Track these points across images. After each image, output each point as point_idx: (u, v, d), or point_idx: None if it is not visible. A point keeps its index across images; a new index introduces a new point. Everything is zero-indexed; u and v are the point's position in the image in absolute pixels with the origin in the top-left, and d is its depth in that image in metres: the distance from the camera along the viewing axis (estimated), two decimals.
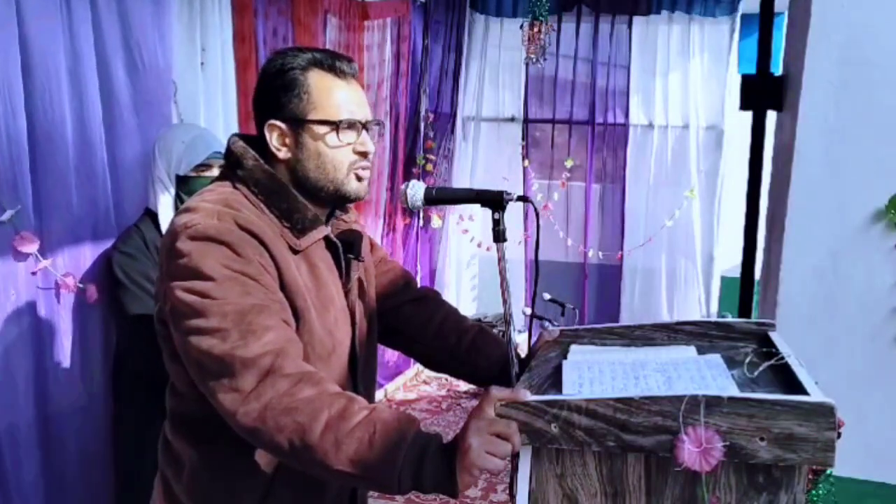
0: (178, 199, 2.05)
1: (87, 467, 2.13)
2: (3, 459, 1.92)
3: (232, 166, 1.29)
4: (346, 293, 1.34)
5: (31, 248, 1.97)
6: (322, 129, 1.26)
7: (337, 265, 1.33)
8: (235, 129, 2.71)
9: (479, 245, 5.30)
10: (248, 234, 1.18)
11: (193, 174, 2.05)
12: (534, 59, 4.52)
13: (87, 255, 2.12)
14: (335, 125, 1.26)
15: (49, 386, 2.04)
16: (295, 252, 1.25)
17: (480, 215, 5.13)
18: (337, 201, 1.33)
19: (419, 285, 1.60)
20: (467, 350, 1.46)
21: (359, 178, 1.29)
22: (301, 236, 1.25)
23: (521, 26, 4.57)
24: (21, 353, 1.97)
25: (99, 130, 2.14)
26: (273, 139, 1.28)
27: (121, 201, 2.21)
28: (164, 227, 2.03)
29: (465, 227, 5.33)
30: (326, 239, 1.31)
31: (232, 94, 2.78)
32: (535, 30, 4.43)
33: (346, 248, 1.35)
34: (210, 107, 2.66)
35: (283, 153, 1.28)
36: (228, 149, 1.31)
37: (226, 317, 1.10)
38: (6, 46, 1.84)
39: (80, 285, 2.10)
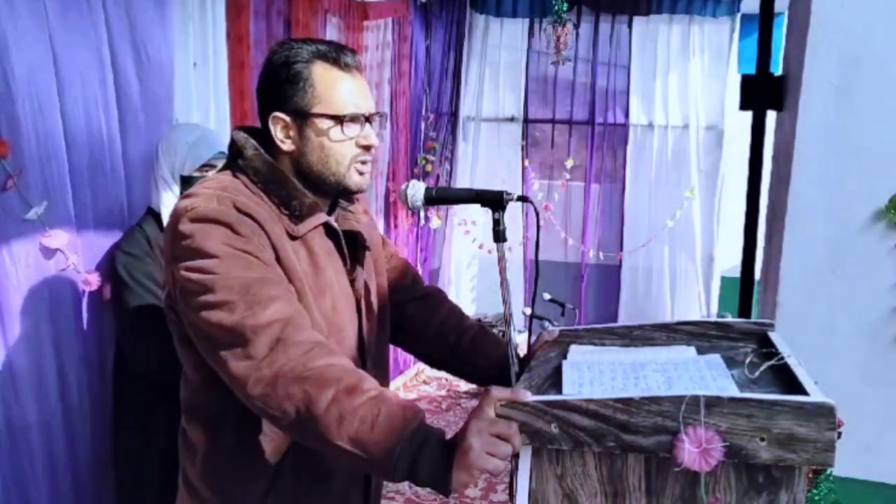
0: None
1: (87, 467, 2.13)
2: (18, 455, 1.93)
3: (234, 156, 1.31)
4: (352, 281, 1.36)
5: (60, 243, 1.99)
6: (326, 123, 1.27)
7: (340, 253, 1.34)
8: (227, 130, 2.70)
9: (480, 247, 5.30)
10: (246, 216, 1.21)
11: (197, 174, 2.05)
12: (561, 62, 4.57)
13: (102, 252, 2.14)
14: (339, 119, 1.27)
15: (70, 383, 2.05)
16: (293, 238, 1.27)
17: (482, 218, 5.13)
18: (339, 193, 1.35)
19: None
20: (467, 349, 1.48)
21: (360, 171, 1.31)
22: (299, 223, 1.27)
23: (544, 29, 4.60)
24: (49, 350, 2.00)
25: (114, 128, 2.16)
26: (277, 131, 1.29)
27: (132, 200, 2.23)
28: None
29: (467, 229, 5.34)
30: (327, 227, 1.32)
31: (224, 95, 2.76)
32: (558, 33, 4.47)
33: (352, 238, 1.37)
34: (200, 107, 2.64)
35: (286, 145, 1.29)
36: (231, 140, 1.34)
37: (231, 290, 1.13)
38: (35, 44, 1.87)
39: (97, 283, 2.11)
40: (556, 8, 4.38)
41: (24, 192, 1.89)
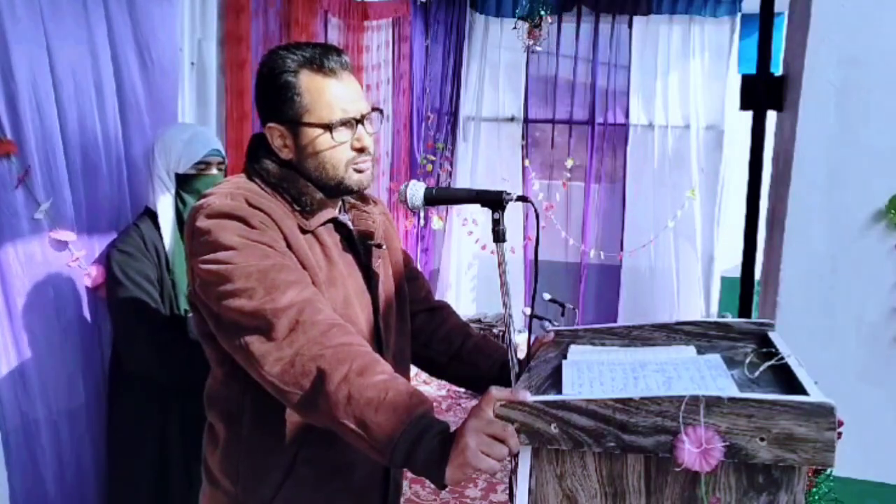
0: (179, 198, 2.06)
1: (84, 465, 2.13)
2: (21, 452, 1.93)
3: (248, 161, 1.37)
4: (367, 278, 1.39)
5: (69, 238, 2.01)
6: (317, 132, 1.29)
7: (353, 250, 1.38)
8: (215, 131, 2.70)
9: (483, 248, 5.28)
10: (259, 211, 1.25)
11: (193, 172, 2.05)
12: (533, 47, 4.63)
13: (100, 251, 2.15)
14: (328, 127, 1.29)
15: (75, 380, 2.06)
16: (305, 232, 1.30)
17: (483, 217, 5.13)
18: (341, 194, 1.38)
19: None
20: (470, 351, 1.53)
21: (358, 170, 1.33)
22: (310, 217, 1.31)
23: (518, 23, 4.64)
24: (56, 347, 2.01)
25: (118, 129, 2.17)
26: (274, 140, 1.33)
27: (135, 200, 2.24)
28: (164, 226, 2.04)
29: (469, 230, 5.33)
30: (337, 223, 1.36)
31: (212, 96, 2.75)
32: (533, 28, 4.51)
33: (367, 237, 1.40)
34: (188, 107, 2.64)
35: (284, 153, 1.33)
36: (248, 145, 1.39)
37: (250, 277, 1.18)
38: (33, 46, 1.88)
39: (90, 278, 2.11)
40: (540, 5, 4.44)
41: (32, 190, 1.91)
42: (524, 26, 4.57)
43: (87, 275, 2.07)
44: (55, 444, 2.01)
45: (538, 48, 4.69)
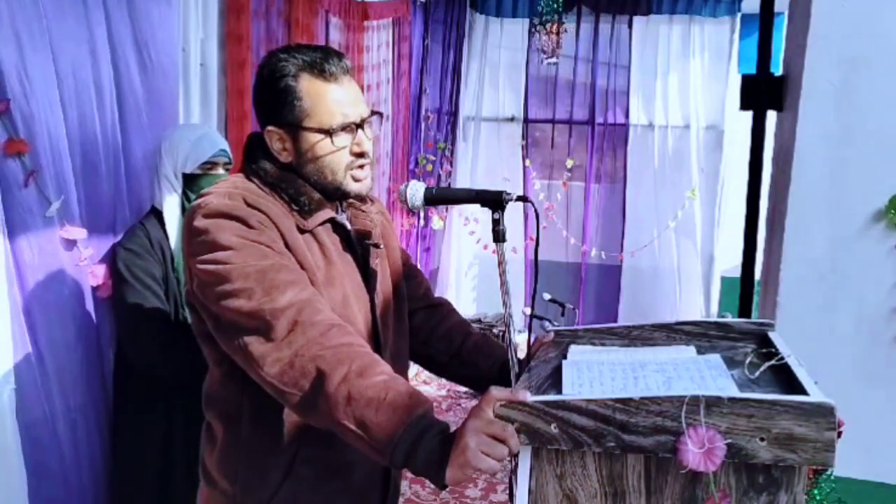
0: (185, 198, 2.07)
1: (88, 463, 2.13)
2: (37, 449, 1.93)
3: (246, 160, 1.37)
4: (365, 277, 1.39)
5: (78, 236, 2.01)
6: (316, 136, 1.30)
7: (351, 250, 1.37)
8: (216, 132, 2.70)
9: (485, 247, 5.27)
10: (257, 210, 1.25)
11: (200, 172, 2.06)
12: (554, 61, 4.59)
13: (101, 250, 2.15)
14: (328, 132, 1.29)
15: (80, 379, 2.05)
16: (303, 232, 1.30)
17: (484, 216, 5.12)
18: (340, 198, 1.38)
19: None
20: (470, 350, 1.52)
21: (356, 178, 1.34)
22: (308, 217, 1.31)
23: (535, 26, 4.60)
24: (66, 345, 2.01)
25: (115, 128, 2.17)
26: (273, 144, 1.33)
27: (137, 199, 2.24)
28: (170, 225, 2.05)
29: (472, 230, 5.33)
30: (335, 223, 1.36)
31: (213, 96, 2.75)
32: (549, 29, 4.49)
33: (364, 237, 1.40)
34: (187, 108, 2.64)
35: (283, 157, 1.33)
36: (245, 145, 1.39)
37: (248, 277, 1.17)
38: (39, 45, 1.88)
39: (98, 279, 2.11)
40: (553, 6, 4.39)
41: (42, 188, 1.91)
42: (541, 35, 4.54)
43: (91, 273, 2.08)
44: (64, 441, 2.02)
45: (555, 59, 4.64)
